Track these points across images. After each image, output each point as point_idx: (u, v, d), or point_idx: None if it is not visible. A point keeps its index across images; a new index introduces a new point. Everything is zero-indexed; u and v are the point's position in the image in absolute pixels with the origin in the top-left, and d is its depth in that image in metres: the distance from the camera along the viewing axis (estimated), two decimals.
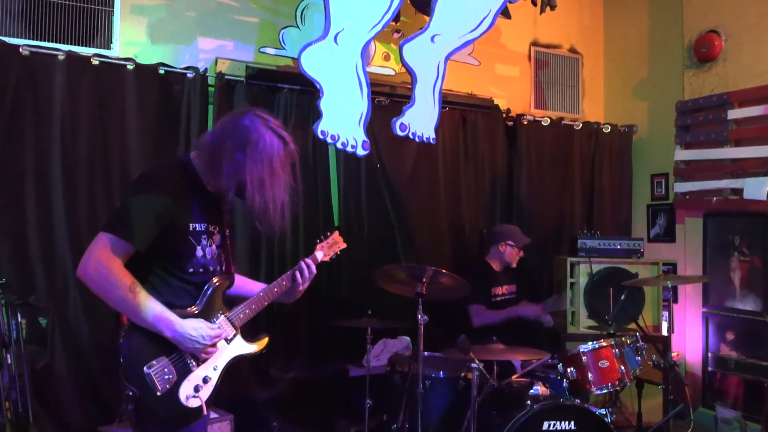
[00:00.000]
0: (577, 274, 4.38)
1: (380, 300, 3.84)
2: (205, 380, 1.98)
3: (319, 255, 2.52)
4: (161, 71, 3.76)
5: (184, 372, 1.94)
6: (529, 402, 2.94)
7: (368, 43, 1.38)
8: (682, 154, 4.72)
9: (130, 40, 3.84)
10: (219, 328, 2.03)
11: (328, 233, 2.61)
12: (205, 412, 1.97)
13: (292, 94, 3.99)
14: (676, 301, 4.91)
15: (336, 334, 3.93)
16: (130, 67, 3.66)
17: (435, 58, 1.42)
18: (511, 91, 5.18)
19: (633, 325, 3.72)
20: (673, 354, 3.67)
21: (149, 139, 3.70)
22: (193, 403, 1.93)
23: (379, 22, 1.34)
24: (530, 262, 4.63)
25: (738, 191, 4.30)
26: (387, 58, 4.47)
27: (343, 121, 1.34)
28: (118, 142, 3.63)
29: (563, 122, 5.14)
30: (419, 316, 3.06)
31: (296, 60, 3.40)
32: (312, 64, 1.36)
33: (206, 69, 3.92)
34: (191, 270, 2.01)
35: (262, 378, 3.80)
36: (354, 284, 4.19)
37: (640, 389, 3.89)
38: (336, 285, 4.19)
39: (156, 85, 3.76)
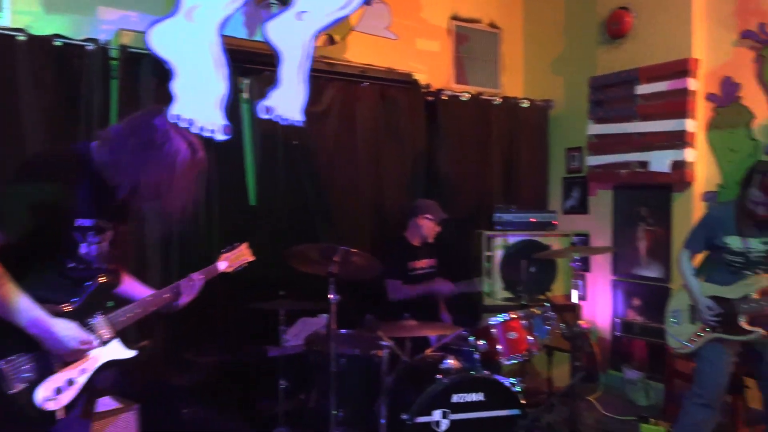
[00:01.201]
0: (493, 246, 4.48)
1: (297, 280, 3.81)
2: (70, 383, 1.86)
3: (222, 265, 2.47)
4: (57, 43, 3.52)
5: (45, 372, 1.82)
6: (440, 376, 3.00)
7: (227, 19, 1.31)
8: (595, 129, 4.86)
9: (22, 9, 3.57)
10: (93, 330, 1.93)
11: (235, 244, 2.56)
12: (61, 416, 1.83)
13: None
14: (588, 270, 5.12)
15: (253, 316, 3.88)
16: (21, 38, 3.41)
17: (301, 37, 1.37)
18: (432, 66, 5.18)
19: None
20: (581, 322, 3.82)
21: (45, 118, 3.47)
22: (50, 407, 1.80)
23: None
24: (450, 236, 4.69)
25: (645, 164, 4.48)
26: None
27: (199, 104, 1.28)
28: (10, 122, 3.39)
29: (482, 97, 5.19)
30: (331, 296, 3.05)
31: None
32: (163, 43, 1.28)
33: (108, 41, 3.71)
34: (72, 265, 1.91)
35: (176, 364, 3.72)
36: (270, 265, 4.11)
37: (550, 357, 4.05)
38: (253, 266, 4.11)
39: (52, 59, 3.52)
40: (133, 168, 1.87)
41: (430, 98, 4.99)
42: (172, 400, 3.43)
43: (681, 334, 3.20)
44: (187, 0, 1.30)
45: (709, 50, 4.28)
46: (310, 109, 4.41)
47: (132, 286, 2.26)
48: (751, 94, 4.08)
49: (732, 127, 4.18)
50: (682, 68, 4.26)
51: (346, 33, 4.50)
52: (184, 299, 2.26)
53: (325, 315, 4.31)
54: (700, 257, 3.29)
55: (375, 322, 2.94)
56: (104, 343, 1.97)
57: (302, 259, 3.21)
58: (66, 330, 1.82)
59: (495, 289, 4.45)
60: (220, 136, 1.45)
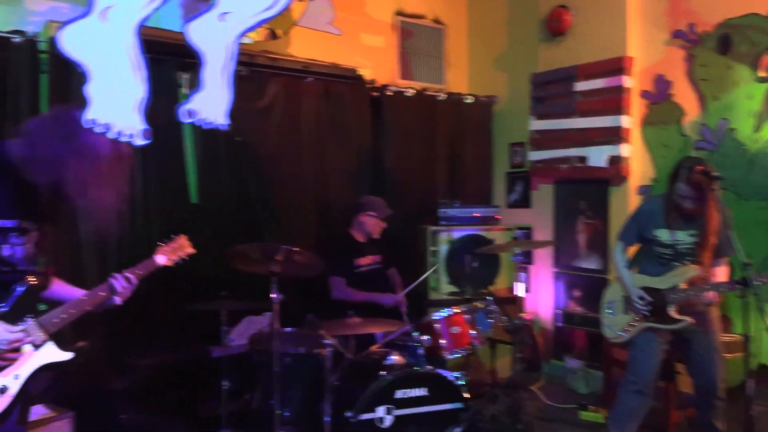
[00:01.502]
0: (438, 241, 4.52)
1: (240, 279, 3.75)
2: (3, 390, 1.81)
3: (160, 259, 2.40)
4: None
5: None
6: (383, 372, 3.02)
7: (143, 20, 1.27)
8: (536, 124, 4.97)
9: None
10: (23, 332, 1.86)
11: (173, 236, 2.49)
12: None
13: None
14: (531, 262, 5.24)
15: (196, 316, 3.80)
16: None
17: (225, 38, 1.35)
18: (377, 62, 5.17)
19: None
20: (523, 314, 3.91)
21: None
22: None
23: None
24: (397, 231, 4.71)
25: (583, 159, 4.61)
26: None
27: (116, 108, 1.23)
28: None
29: (427, 93, 5.21)
30: (273, 295, 3.01)
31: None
32: (75, 44, 1.23)
33: (36, 33, 3.56)
34: None
35: (114, 367, 3.61)
36: (213, 264, 4.04)
37: (493, 349, 4.13)
38: (195, 265, 4.02)
39: None
40: (54, 162, 1.80)
41: (375, 94, 4.99)
42: (109, 406, 3.33)
43: (615, 324, 3.30)
44: (101, 0, 1.25)
45: (643, 49, 4.42)
46: (253, 105, 4.37)
47: (62, 288, 2.18)
48: (682, 92, 4.24)
49: (664, 123, 4.33)
50: (617, 66, 4.39)
51: (288, 28, 4.44)
52: (121, 297, 2.20)
53: (270, 313, 4.29)
54: (633, 249, 3.41)
55: (316, 322, 2.93)
56: (37, 346, 1.89)
57: (244, 259, 3.16)
58: None
59: (440, 283, 4.48)
60: (140, 141, 1.41)
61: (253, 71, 4.32)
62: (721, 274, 3.17)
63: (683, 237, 3.13)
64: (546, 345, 5.07)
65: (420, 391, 3.01)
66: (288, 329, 3.67)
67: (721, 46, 4.00)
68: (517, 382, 3.59)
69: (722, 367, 3.16)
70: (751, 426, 2.82)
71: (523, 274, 5.29)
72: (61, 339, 2.01)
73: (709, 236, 3.06)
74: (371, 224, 4.10)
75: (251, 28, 1.44)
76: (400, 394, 2.98)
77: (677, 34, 4.24)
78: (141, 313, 3.79)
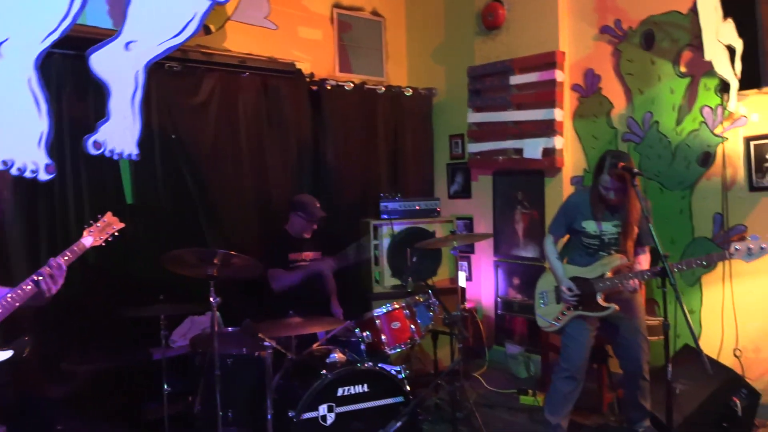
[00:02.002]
0: (380, 235, 4.57)
1: (179, 281, 3.70)
2: None
3: (88, 241, 2.36)
4: None
5: None
6: (324, 371, 3.05)
7: (42, 53, 1.23)
8: (474, 117, 5.06)
9: None
10: None
11: (99, 216, 2.44)
12: None
13: (65, 59, 3.58)
14: (473, 252, 5.37)
15: (135, 319, 3.74)
16: None
17: (132, 68, 1.32)
18: (315, 55, 5.15)
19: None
20: (463, 305, 4.01)
21: None
22: None
23: (56, 29, 1.20)
24: (339, 225, 4.74)
25: (520, 151, 4.73)
26: None
27: (18, 143, 1.20)
28: None
29: (366, 86, 5.23)
30: (212, 299, 3.00)
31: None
32: None
33: None
34: None
35: (51, 375, 3.52)
36: (151, 266, 3.97)
37: (435, 340, 4.23)
38: (133, 267, 3.96)
39: None
40: None
41: (314, 88, 4.97)
42: (46, 416, 3.24)
43: (547, 313, 3.44)
44: None
45: (573, 43, 4.55)
46: (188, 101, 4.29)
47: None
48: (610, 86, 4.40)
49: (594, 115, 4.49)
50: (550, 60, 4.50)
51: (222, 23, 4.37)
52: (52, 288, 2.15)
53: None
54: (564, 241, 3.54)
55: (253, 326, 2.93)
56: None
57: (180, 264, 3.12)
58: None
59: (383, 276, 4.54)
60: (44, 176, 1.37)
61: (187, 67, 4.23)
62: (644, 261, 3.33)
63: (608, 228, 3.28)
64: (488, 332, 5.21)
65: (361, 388, 3.06)
66: (231, 329, 3.68)
67: (645, 41, 4.16)
68: (457, 372, 3.69)
69: (647, 350, 3.34)
70: (671, 403, 2.99)
71: (464, 264, 5.43)
72: None
73: (632, 226, 3.21)
74: (299, 224, 4.10)
75: (159, 56, 1.41)
76: (341, 391, 3.02)
77: (605, 30, 4.38)
78: (77, 318, 3.74)
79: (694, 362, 3.71)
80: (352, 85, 5.09)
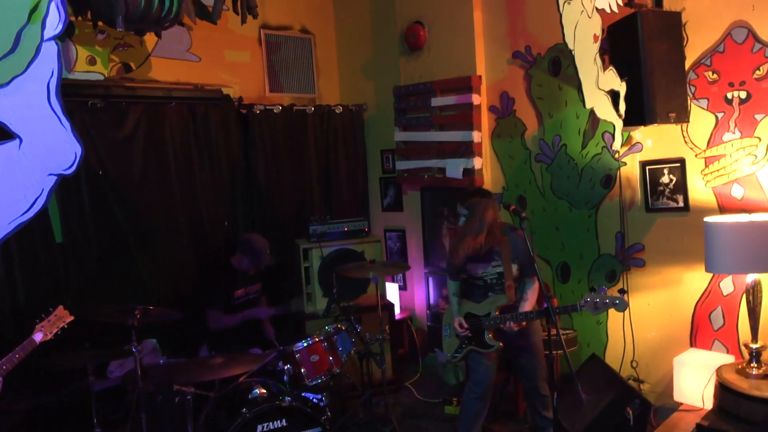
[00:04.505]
0: (311, 257, 4.75)
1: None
2: None
3: (39, 336, 2.50)
4: None
5: None
6: (245, 409, 3.25)
7: None
8: (401, 135, 5.23)
9: None
10: None
11: (51, 309, 2.57)
12: None
13: None
14: (409, 267, 5.57)
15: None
16: None
17: None
18: (244, 77, 5.23)
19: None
20: (386, 326, 4.22)
21: None
22: None
23: None
24: (273, 248, 4.88)
25: (443, 170, 4.93)
26: (92, 62, 4.25)
27: None
28: None
29: (296, 108, 5.34)
30: (133, 349, 3.15)
31: None
32: None
33: None
34: None
35: None
36: (82, 305, 4.08)
37: (361, 360, 4.44)
38: (66, 305, 4.06)
39: None
40: None
41: (244, 111, 5.06)
42: None
43: (449, 347, 3.72)
44: None
45: (489, 66, 4.74)
46: (113, 135, 4.36)
47: None
48: (523, 108, 4.61)
49: (510, 136, 4.71)
50: (467, 84, 4.68)
51: (143, 60, 4.43)
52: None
53: (150, 340, 4.41)
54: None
55: (167, 382, 3.11)
56: None
57: (101, 315, 3.26)
58: None
59: (314, 297, 4.73)
60: None
61: (111, 102, 4.30)
62: (532, 294, 3.54)
63: (488, 269, 3.52)
64: (422, 339, 5.47)
65: (280, 423, 3.26)
66: (168, 361, 3.84)
67: (552, 68, 4.37)
68: (381, 388, 3.94)
69: (542, 369, 3.60)
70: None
71: (399, 275, 5.66)
72: None
73: (508, 265, 3.45)
74: (246, 264, 4.27)
75: (10, 233, 1.55)
76: (261, 427, 3.23)
77: (516, 55, 4.58)
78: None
79: (598, 372, 4.05)
80: (280, 108, 5.19)
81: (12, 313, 3.88)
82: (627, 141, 4.02)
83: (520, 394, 4.26)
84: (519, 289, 3.54)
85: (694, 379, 3.67)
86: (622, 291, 4.08)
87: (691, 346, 3.86)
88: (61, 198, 4.12)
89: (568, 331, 4.26)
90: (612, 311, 3.60)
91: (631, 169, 4.05)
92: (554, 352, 3.34)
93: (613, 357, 4.22)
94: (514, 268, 3.49)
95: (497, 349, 3.49)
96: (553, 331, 2.97)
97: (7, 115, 1.48)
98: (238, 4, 3.77)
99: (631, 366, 4.07)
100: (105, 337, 3.65)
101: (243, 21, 3.77)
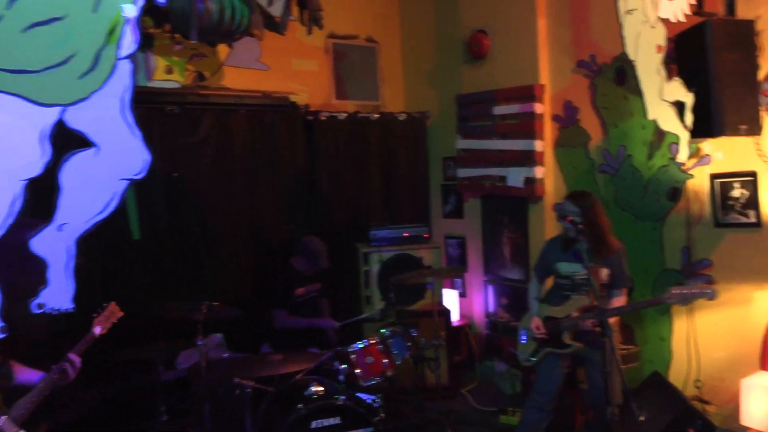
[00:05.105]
0: (370, 261, 4.85)
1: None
2: None
3: (97, 330, 2.71)
4: None
5: None
6: (301, 404, 3.37)
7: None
8: (462, 143, 5.26)
9: None
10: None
11: (105, 305, 2.78)
12: None
13: None
14: (466, 270, 5.59)
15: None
16: None
17: (65, 244, 1.62)
18: (311, 85, 5.40)
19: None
20: (442, 332, 4.25)
21: None
22: None
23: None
24: (333, 252, 5.01)
25: (503, 178, 4.92)
26: (170, 71, 4.52)
27: None
28: None
29: (360, 115, 5.46)
30: (198, 342, 3.34)
31: None
32: None
33: None
34: None
35: (62, 401, 3.93)
36: (157, 299, 4.32)
37: (417, 363, 4.47)
38: (139, 299, 4.32)
39: None
40: None
41: (310, 118, 5.23)
42: None
43: (525, 350, 3.70)
44: None
45: (553, 75, 4.69)
46: (186, 141, 4.62)
47: (24, 373, 2.52)
48: (587, 118, 4.54)
49: (573, 146, 4.64)
50: (529, 93, 4.66)
51: (216, 69, 4.67)
52: (72, 375, 2.53)
53: (217, 335, 4.62)
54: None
55: (228, 375, 3.26)
56: None
57: (171, 311, 3.47)
58: None
59: (373, 300, 4.83)
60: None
61: (185, 109, 4.55)
62: (617, 301, 3.48)
63: (579, 269, 3.48)
64: (480, 347, 5.46)
65: (333, 420, 3.36)
66: (233, 355, 4.03)
67: (617, 77, 4.29)
68: (435, 394, 3.97)
69: (614, 380, 3.52)
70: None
71: (458, 281, 5.67)
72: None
73: (598, 267, 3.39)
74: (303, 266, 4.40)
75: (86, 231, 1.72)
76: (315, 423, 3.34)
77: (581, 64, 4.51)
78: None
79: (659, 390, 3.93)
80: (345, 115, 5.33)
81: (90, 306, 4.16)
82: (695, 153, 3.89)
83: (578, 408, 4.18)
84: (606, 296, 3.48)
85: (764, 403, 3.51)
86: (709, 279, 3.90)
87: (762, 368, 3.69)
88: (139, 198, 4.39)
89: (629, 347, 4.15)
90: (678, 328, 3.46)
91: (699, 182, 3.92)
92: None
93: (676, 376, 4.08)
94: (604, 272, 3.44)
95: (575, 349, 3.45)
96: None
97: (86, 126, 1.65)
98: (305, 15, 3.91)
99: (695, 386, 3.92)
100: (175, 330, 3.86)
101: (309, 32, 3.92)
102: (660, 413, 3.69)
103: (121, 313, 2.95)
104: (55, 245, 1.68)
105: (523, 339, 3.76)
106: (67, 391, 3.91)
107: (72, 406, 3.91)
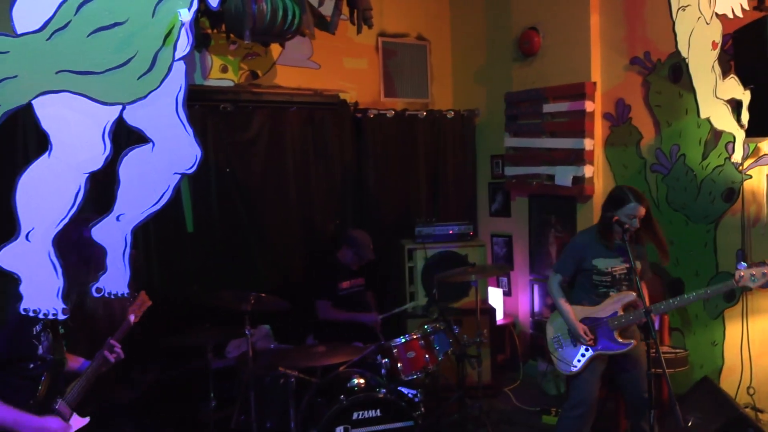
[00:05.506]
0: (415, 258, 4.89)
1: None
2: None
3: (132, 318, 2.88)
4: None
5: None
6: (343, 396, 3.45)
7: (56, 233, 1.64)
8: (511, 141, 5.23)
9: None
10: (62, 416, 2.39)
11: (136, 294, 2.93)
12: None
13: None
14: (512, 268, 5.56)
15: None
16: None
17: (122, 233, 1.72)
18: (361, 83, 5.47)
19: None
20: (485, 330, 4.25)
21: None
22: None
23: (66, 216, 1.61)
24: (378, 248, 5.08)
25: (552, 177, 4.87)
26: (225, 69, 4.68)
27: (42, 298, 1.61)
28: None
29: (408, 113, 5.50)
30: (246, 331, 3.47)
31: None
32: (8, 261, 1.61)
33: None
34: (32, 366, 2.32)
35: (122, 382, 4.14)
36: (207, 289, 4.48)
37: (458, 361, 4.48)
38: (191, 288, 4.49)
39: None
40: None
41: (359, 115, 5.31)
42: (117, 418, 3.85)
43: (565, 359, 3.52)
44: (24, 224, 1.58)
45: (605, 72, 4.61)
46: (240, 137, 4.77)
47: (73, 360, 2.69)
48: (639, 116, 4.44)
49: (624, 145, 4.56)
50: (580, 91, 4.59)
51: (268, 68, 4.81)
52: (112, 361, 2.70)
53: (264, 326, 4.76)
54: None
55: (273, 365, 3.37)
56: (67, 420, 2.44)
57: (221, 300, 3.60)
58: (57, 426, 2.30)
59: (417, 296, 4.87)
60: (62, 316, 1.78)
61: (239, 106, 4.70)
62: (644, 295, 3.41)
63: (618, 264, 3.43)
64: (524, 346, 5.43)
65: (374, 413, 3.43)
66: (280, 346, 4.15)
67: (672, 74, 4.18)
68: (477, 391, 3.98)
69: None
70: None
71: (504, 279, 5.65)
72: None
73: (635, 261, 3.30)
74: (350, 258, 4.49)
75: (142, 221, 1.83)
76: (356, 415, 3.42)
77: (634, 61, 4.42)
78: (138, 340, 4.32)
79: (709, 396, 3.82)
80: (393, 112, 5.38)
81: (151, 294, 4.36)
82: (753, 153, 3.76)
83: (622, 413, 4.11)
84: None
85: None
86: None
87: None
88: (194, 192, 4.57)
89: (678, 350, 4.05)
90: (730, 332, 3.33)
91: (757, 183, 3.79)
92: (657, 370, 3.20)
93: (728, 382, 3.97)
94: (638, 265, 3.32)
95: (632, 347, 3.37)
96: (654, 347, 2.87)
97: (143, 123, 1.77)
98: (355, 15, 3.98)
99: (748, 393, 3.80)
100: (225, 320, 4.00)
101: (359, 31, 3.98)
102: (709, 420, 3.59)
103: (149, 302, 3.09)
104: (113, 234, 1.79)
105: (559, 347, 3.55)
106: (127, 372, 4.21)
107: (132, 387, 4.12)
